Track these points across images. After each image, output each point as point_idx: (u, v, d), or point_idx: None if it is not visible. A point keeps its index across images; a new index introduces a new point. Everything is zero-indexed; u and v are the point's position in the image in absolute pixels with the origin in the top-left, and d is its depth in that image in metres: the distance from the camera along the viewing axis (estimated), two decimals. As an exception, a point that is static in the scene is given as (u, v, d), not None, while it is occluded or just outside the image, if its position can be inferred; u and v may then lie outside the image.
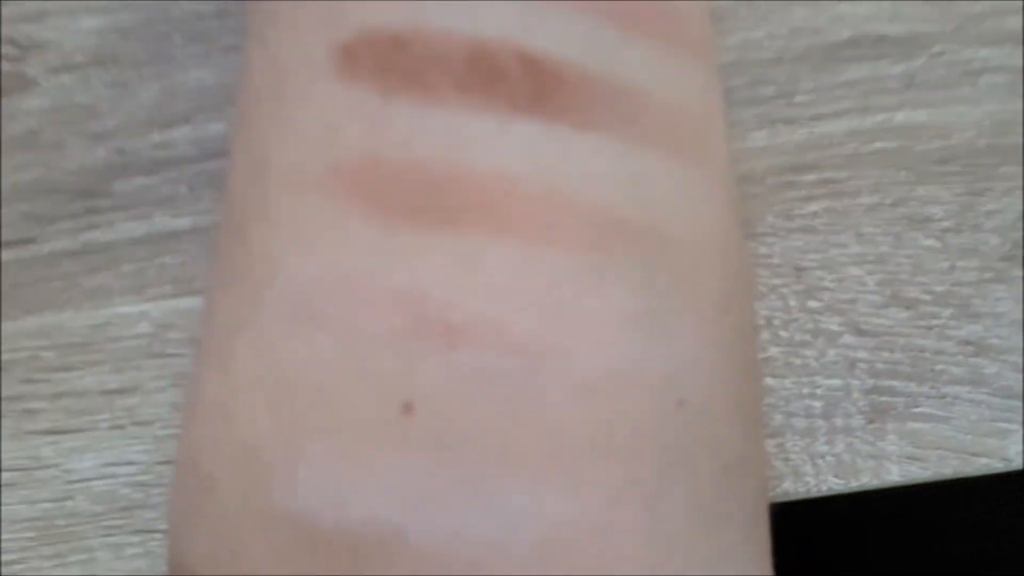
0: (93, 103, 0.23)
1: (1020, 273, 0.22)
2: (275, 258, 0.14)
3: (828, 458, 0.21)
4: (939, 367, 0.22)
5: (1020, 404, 0.21)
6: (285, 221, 0.14)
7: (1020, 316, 0.22)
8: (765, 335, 0.22)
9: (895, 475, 0.21)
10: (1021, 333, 0.22)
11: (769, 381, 0.22)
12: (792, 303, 0.22)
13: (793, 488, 0.21)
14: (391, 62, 0.13)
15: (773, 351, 0.22)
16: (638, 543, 0.13)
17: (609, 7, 0.14)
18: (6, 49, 0.23)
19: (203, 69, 0.23)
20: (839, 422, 0.21)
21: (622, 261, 0.13)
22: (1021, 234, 0.22)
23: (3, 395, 0.22)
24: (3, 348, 0.22)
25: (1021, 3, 0.23)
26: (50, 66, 0.23)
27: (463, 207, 0.13)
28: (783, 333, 0.22)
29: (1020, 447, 0.21)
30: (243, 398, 0.14)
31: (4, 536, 0.22)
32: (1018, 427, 0.21)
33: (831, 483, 0.21)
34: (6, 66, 0.23)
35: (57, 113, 0.23)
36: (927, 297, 0.22)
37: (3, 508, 0.22)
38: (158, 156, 0.23)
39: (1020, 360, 0.22)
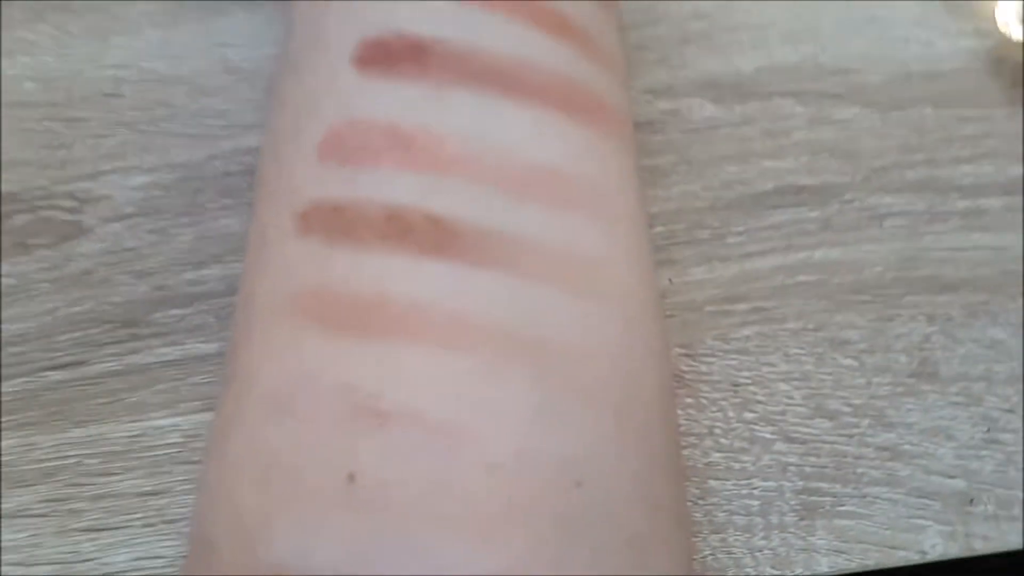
0: (138, 247, 0.27)
1: (928, 388, 0.25)
2: (254, 366, 0.18)
3: (765, 551, 0.24)
4: (860, 470, 0.25)
5: (933, 503, 0.24)
6: (260, 338, 0.18)
7: (929, 425, 0.25)
8: (708, 442, 0.25)
9: (824, 567, 0.24)
10: (930, 440, 0.25)
11: (712, 483, 0.25)
12: (731, 414, 0.25)
13: (735, 578, 0.24)
14: (333, 222, 0.18)
15: (715, 456, 0.25)
16: None
17: (502, 177, 0.18)
18: (67, 202, 0.28)
19: (231, 218, 0.27)
20: (774, 519, 0.24)
21: (517, 366, 0.17)
22: (926, 354, 0.26)
23: (51, 497, 0.26)
24: (52, 456, 0.26)
25: (919, 157, 0.27)
26: (103, 216, 0.28)
27: (386, 324, 0.17)
28: (723, 441, 0.25)
29: (934, 541, 0.24)
30: (233, 477, 0.17)
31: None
32: (932, 523, 0.24)
33: (768, 574, 0.24)
34: (66, 216, 0.28)
35: (107, 255, 0.27)
36: (847, 409, 0.25)
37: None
38: (191, 291, 0.27)
39: (931, 464, 0.25)
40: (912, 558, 0.24)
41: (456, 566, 0.15)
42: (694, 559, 0.24)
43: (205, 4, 0.29)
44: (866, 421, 0.25)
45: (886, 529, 0.24)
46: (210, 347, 0.26)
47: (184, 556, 0.25)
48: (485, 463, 0.16)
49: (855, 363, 0.25)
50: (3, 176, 0.28)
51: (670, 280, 0.26)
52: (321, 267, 0.18)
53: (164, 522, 0.25)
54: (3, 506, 0.25)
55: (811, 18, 0.28)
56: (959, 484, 0.24)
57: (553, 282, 0.18)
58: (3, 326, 0.27)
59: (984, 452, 0.24)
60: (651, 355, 0.19)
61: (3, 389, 0.26)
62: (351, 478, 0.16)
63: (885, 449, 0.25)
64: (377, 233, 0.17)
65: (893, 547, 0.24)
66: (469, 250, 0.17)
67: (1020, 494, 0.24)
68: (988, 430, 0.25)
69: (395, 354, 0.17)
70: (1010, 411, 0.25)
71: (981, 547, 0.24)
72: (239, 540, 0.17)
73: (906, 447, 0.25)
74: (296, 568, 0.16)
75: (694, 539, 0.24)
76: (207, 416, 0.26)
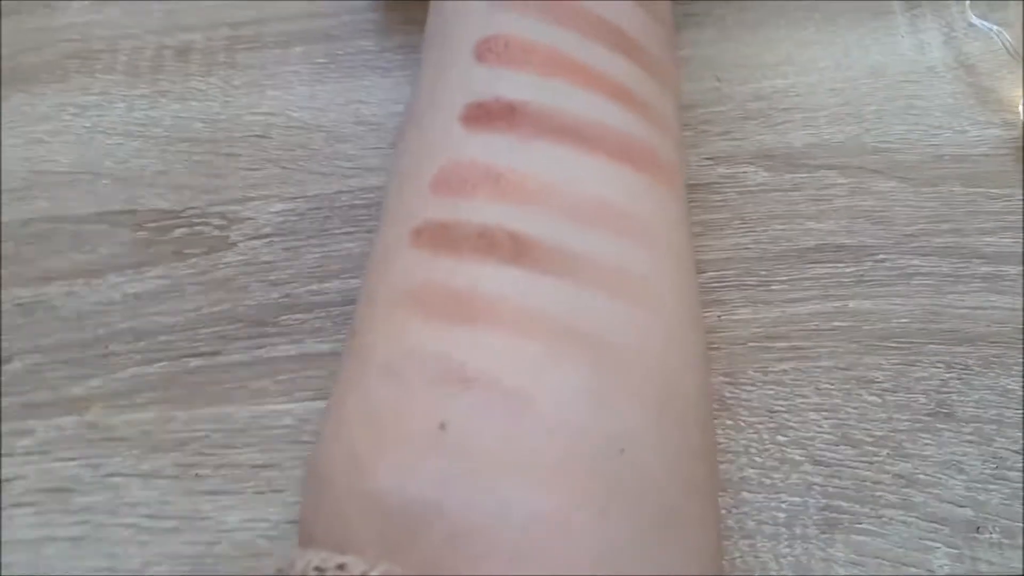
0: (273, 261, 0.33)
1: (943, 426, 0.28)
2: (372, 344, 0.23)
3: (789, 558, 0.27)
4: (878, 494, 0.28)
5: (943, 527, 0.27)
6: (380, 323, 0.23)
7: (942, 459, 0.28)
8: (743, 459, 0.28)
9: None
10: (943, 472, 0.28)
11: (745, 495, 0.28)
12: (765, 437, 0.29)
13: (760, 578, 0.27)
14: (438, 237, 0.23)
15: (749, 472, 0.28)
16: (591, 540, 0.19)
17: (569, 206, 0.22)
18: (218, 221, 0.33)
19: (352, 243, 0.32)
20: (798, 531, 0.27)
21: (575, 352, 0.21)
22: (944, 397, 0.29)
23: (181, 463, 0.30)
24: (185, 429, 0.31)
25: (947, 226, 0.31)
26: (246, 234, 0.33)
27: (474, 313, 0.21)
28: (757, 459, 0.28)
29: (943, 562, 0.27)
30: (348, 427, 0.22)
31: (165, 573, 0.29)
32: (941, 546, 0.27)
33: (791, 577, 0.27)
34: (215, 232, 0.33)
35: (247, 266, 0.33)
36: (869, 439, 0.28)
37: (167, 549, 0.29)
38: (314, 300, 0.32)
39: (943, 493, 0.28)
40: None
41: (518, 503, 0.19)
42: (724, 558, 0.27)
43: (345, 68, 0.35)
44: (885, 451, 0.28)
45: (899, 548, 0.27)
46: (325, 347, 0.31)
47: (288, 521, 0.29)
48: (546, 425, 0.20)
49: (879, 400, 0.29)
50: (168, 196, 0.34)
51: (719, 317, 0.30)
52: (428, 270, 0.22)
53: (272, 491, 0.29)
54: (141, 467, 0.30)
55: (857, 104, 0.33)
56: (968, 513, 0.27)
57: (607, 291, 0.22)
58: (155, 318, 0.32)
59: (992, 486, 0.27)
60: (689, 364, 0.23)
61: (150, 370, 0.31)
62: (442, 427, 0.20)
63: (901, 477, 0.28)
64: (471, 246, 0.22)
65: (905, 564, 0.27)
66: (540, 261, 0.22)
67: (1023, 526, 0.27)
68: (997, 467, 0.27)
69: (479, 334, 0.21)
70: (1018, 452, 0.28)
71: (987, 570, 0.26)
72: (351, 473, 0.21)
73: (921, 476, 0.28)
74: (395, 498, 0.20)
75: (726, 543, 0.27)
76: (318, 404, 0.30)
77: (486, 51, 0.24)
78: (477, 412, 0.20)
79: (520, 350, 0.21)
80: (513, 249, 0.22)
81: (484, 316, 0.21)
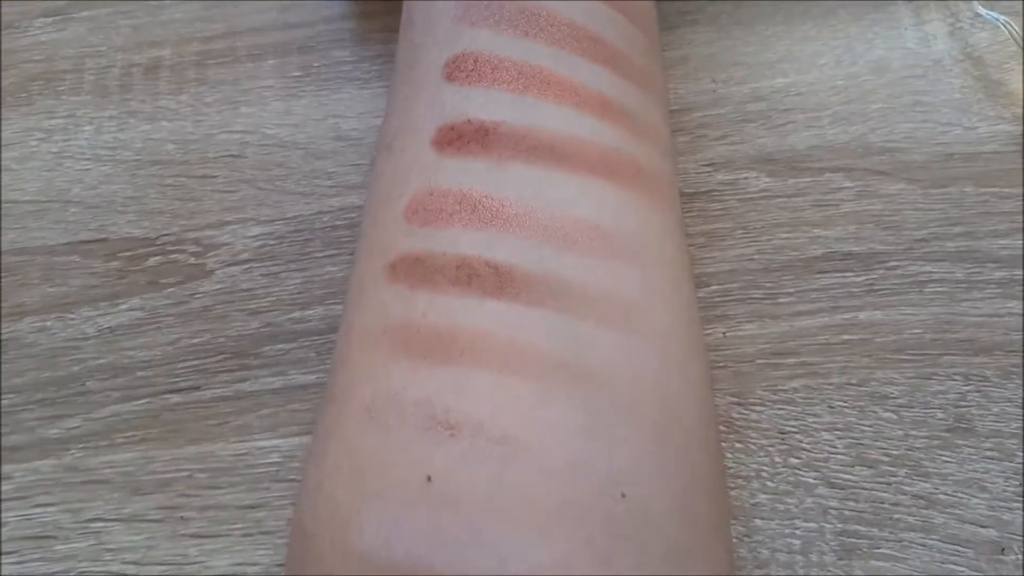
0: (252, 288, 0.31)
1: (963, 442, 0.27)
2: (351, 386, 0.21)
3: (806, 587, 0.26)
4: (896, 516, 0.26)
5: (965, 550, 0.26)
6: (357, 363, 0.22)
7: (963, 477, 0.27)
8: (755, 484, 0.27)
9: (861, 604, 0.26)
10: (964, 491, 0.27)
11: (757, 522, 0.27)
12: (777, 459, 0.27)
13: (776, 610, 0.26)
14: (415, 271, 0.21)
15: (761, 498, 0.27)
16: None
17: (551, 231, 0.21)
18: (193, 248, 0.32)
19: (334, 266, 0.31)
20: (814, 558, 0.26)
21: (566, 388, 0.20)
22: (962, 411, 0.27)
23: (165, 505, 0.29)
24: (168, 469, 0.29)
25: (959, 229, 0.29)
26: (223, 261, 0.32)
27: (456, 351, 0.20)
28: (769, 484, 0.27)
29: (968, 587, 0.26)
30: (330, 479, 0.20)
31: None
32: (964, 569, 0.26)
33: (808, 608, 0.26)
34: (192, 260, 0.32)
35: (225, 295, 0.31)
36: (886, 459, 0.27)
37: (153, 596, 0.28)
38: (296, 328, 0.30)
39: (964, 513, 0.26)
40: (946, 602, 0.25)
41: (516, 556, 0.18)
42: (738, 589, 0.26)
43: (321, 80, 0.34)
44: (903, 471, 0.27)
45: (920, 572, 0.26)
46: (309, 378, 0.30)
47: (278, 565, 0.28)
48: (540, 470, 0.19)
49: (894, 416, 0.27)
50: (141, 223, 0.32)
51: (724, 334, 0.29)
52: (405, 306, 0.21)
53: (261, 533, 0.28)
54: (124, 511, 0.28)
55: (861, 102, 0.31)
56: (991, 533, 0.26)
57: (596, 319, 0.21)
58: (132, 353, 0.30)
59: (1016, 504, 0.26)
60: (690, 387, 0.22)
61: (129, 408, 0.30)
62: (429, 479, 0.19)
63: (921, 498, 0.26)
64: (449, 279, 0.21)
65: (928, 590, 0.25)
66: (522, 291, 0.21)
67: (1051, 546, 0.26)
68: (1020, 484, 0.26)
69: (463, 375, 0.20)
70: (1042, 467, 0.26)
71: (1013, 594, 0.25)
72: (334, 528, 0.20)
73: (941, 496, 0.26)
74: (381, 556, 0.19)
75: (739, 574, 0.26)
76: (304, 439, 0.29)
77: (455, 70, 0.23)
78: (465, 460, 0.19)
79: (507, 390, 0.20)
80: (494, 281, 0.21)
81: (467, 355, 0.20)
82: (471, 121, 0.22)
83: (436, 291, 0.21)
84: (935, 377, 0.28)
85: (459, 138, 0.22)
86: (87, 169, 0.33)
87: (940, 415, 0.27)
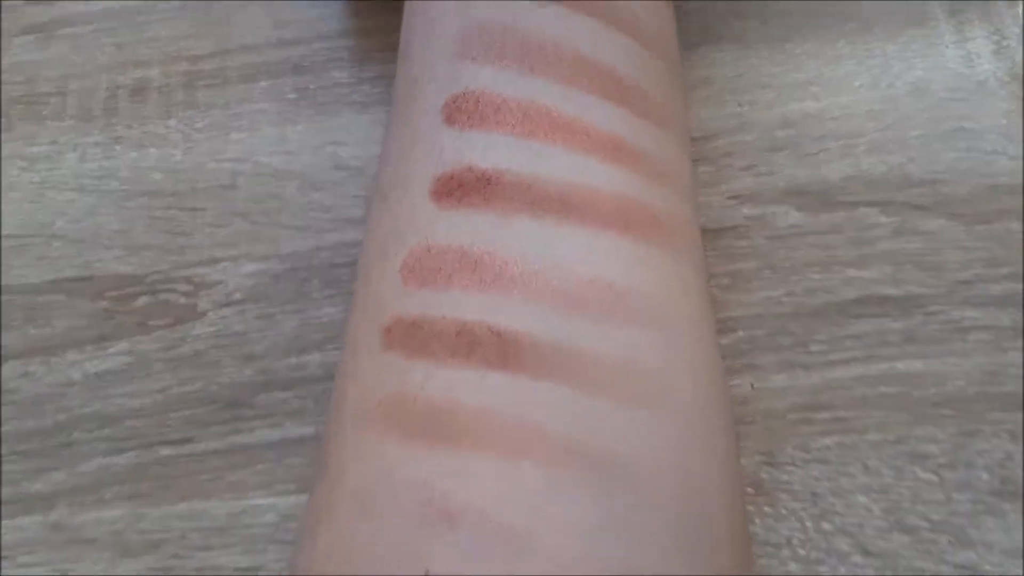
0: (246, 331, 0.29)
1: (1009, 507, 0.25)
2: (343, 465, 0.19)
3: (840, 664, 0.24)
4: (938, 587, 0.25)
5: (1013, 625, 0.24)
6: (349, 439, 0.20)
7: (1010, 546, 0.25)
8: (785, 552, 0.25)
9: None
10: (1012, 561, 0.25)
11: (788, 591, 0.25)
12: (808, 525, 0.25)
13: None
14: (411, 338, 0.19)
15: (792, 567, 0.25)
16: None
17: (560, 293, 0.19)
18: (184, 287, 0.30)
19: (334, 307, 0.29)
20: (849, 632, 0.24)
21: (578, 475, 0.18)
22: (1008, 472, 0.25)
23: (156, 567, 0.27)
24: (158, 528, 0.28)
25: (1005, 271, 0.27)
26: (215, 301, 0.30)
27: (456, 432, 0.18)
28: (801, 551, 0.25)
29: (1015, 664, 0.24)
30: (320, 565, 0.19)
31: None
32: (1012, 646, 0.24)
33: None
34: (182, 300, 0.30)
35: (218, 339, 0.29)
36: (926, 525, 0.25)
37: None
38: (293, 376, 0.28)
39: (1012, 584, 0.24)
40: None
41: None
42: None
43: (318, 104, 0.32)
44: (945, 538, 0.25)
45: (964, 650, 0.24)
46: (307, 430, 0.28)
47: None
48: (551, 567, 0.17)
49: (935, 478, 0.25)
50: (129, 259, 0.30)
51: (752, 385, 0.27)
52: (401, 379, 0.19)
53: (258, 597, 0.26)
54: (112, 573, 0.27)
55: (899, 129, 0.29)
56: (1042, 608, 0.24)
57: (611, 393, 0.19)
58: (120, 401, 0.29)
59: (1069, 577, 0.24)
60: (716, 465, 0.20)
61: (118, 461, 0.28)
62: (427, 573, 0.17)
63: (964, 567, 0.24)
64: (448, 348, 0.19)
65: (972, 668, 0.24)
66: (530, 363, 0.19)
67: (1106, 623, 0.24)
68: (1073, 554, 0.24)
69: (464, 459, 0.18)
70: (1097, 536, 0.24)
71: (1064, 675, 0.23)
72: None
73: (987, 567, 0.24)
74: None
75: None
76: (301, 498, 0.27)
77: (454, 112, 0.21)
78: (467, 555, 0.17)
79: (513, 477, 0.18)
80: (498, 350, 0.19)
81: (468, 435, 0.18)
82: (472, 169, 0.20)
83: (434, 361, 0.19)
84: (980, 434, 0.26)
85: (459, 188, 0.20)
86: (71, 200, 0.31)
87: (985, 476, 0.25)
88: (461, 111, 0.21)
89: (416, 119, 0.22)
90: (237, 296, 0.29)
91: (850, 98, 0.29)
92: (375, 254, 0.22)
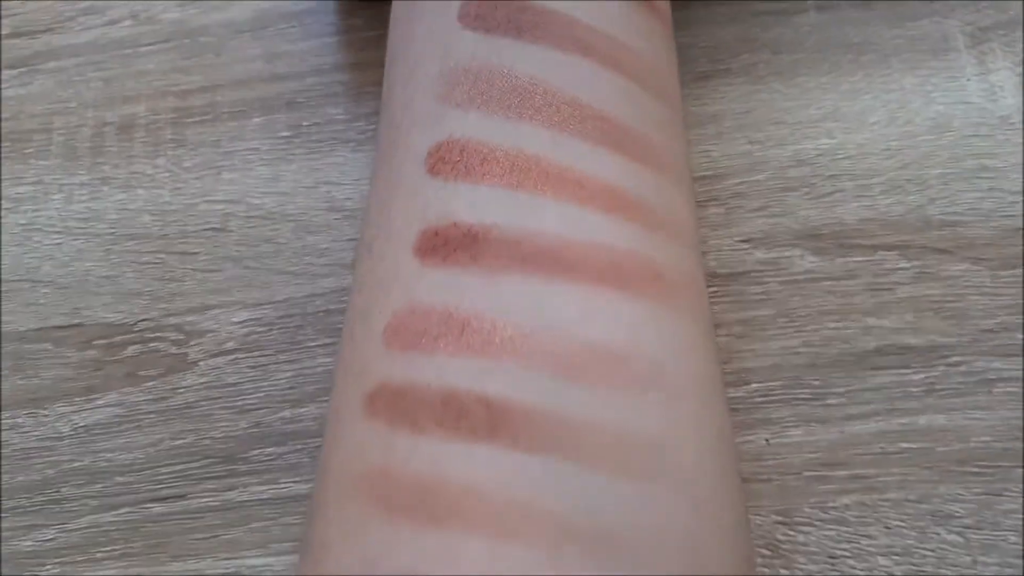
0: (239, 383, 0.28)
1: (1038, 569, 0.24)
2: (326, 543, 0.18)
3: None
4: (963, 655, 0.24)
5: None
6: (332, 514, 0.19)
7: (1039, 611, 0.24)
8: (802, 616, 0.24)
9: None
10: (1041, 627, 0.24)
11: (805, 659, 0.24)
12: (826, 587, 0.24)
13: None
14: (395, 407, 0.18)
15: (809, 631, 0.24)
16: None
17: (553, 358, 0.18)
18: (174, 335, 0.29)
19: (328, 357, 0.28)
20: None
21: (579, 559, 0.17)
22: (1038, 533, 0.24)
23: (148, 629, 0.26)
24: (151, 587, 0.27)
25: (1032, 319, 0.26)
26: (207, 351, 0.29)
27: (443, 510, 0.17)
28: (818, 615, 0.24)
29: None
30: None
31: None
32: None
33: None
34: (173, 349, 0.29)
35: (210, 390, 0.28)
36: (950, 588, 0.24)
37: None
38: (287, 429, 0.27)
39: (1041, 653, 0.23)
40: None
41: None
42: None
43: (312, 142, 0.30)
44: (971, 603, 0.24)
45: None
46: (302, 488, 0.27)
47: None
48: None
49: (960, 539, 0.24)
50: (118, 306, 0.29)
51: (767, 441, 0.25)
52: (384, 450, 0.18)
53: (254, 661, 0.25)
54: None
55: (918, 167, 0.28)
56: None
57: (610, 467, 0.18)
58: (111, 455, 0.28)
59: (1101, 646, 0.23)
60: (723, 536, 0.19)
61: (108, 519, 0.27)
62: None
63: (992, 635, 0.23)
64: (434, 418, 0.18)
65: None
66: (522, 435, 0.17)
67: None
68: (1106, 622, 0.23)
69: (451, 542, 0.17)
70: None
71: None
72: None
73: (1015, 634, 0.23)
74: None
75: None
76: (297, 558, 0.26)
77: (439, 162, 0.20)
78: None
79: (505, 561, 0.17)
80: (487, 420, 0.17)
81: (456, 515, 0.17)
82: (458, 225, 0.19)
83: (419, 432, 0.18)
84: (1006, 494, 0.25)
85: (444, 245, 0.19)
86: (58, 244, 0.30)
87: (1013, 539, 0.24)
88: (445, 161, 0.20)
89: (399, 167, 0.21)
90: (229, 345, 0.28)
91: (866, 135, 0.28)
92: (359, 312, 0.20)
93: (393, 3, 0.24)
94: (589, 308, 0.19)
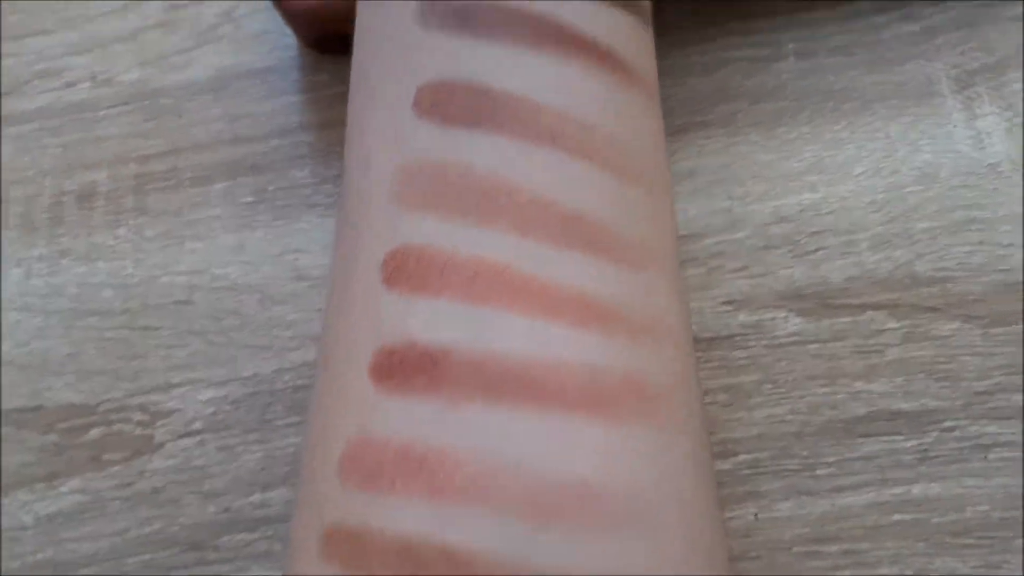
0: (206, 465, 0.27)
1: (1042, 647, 0.23)
2: None
3: None
4: None
5: None
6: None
7: None
8: None
9: None
10: None
11: None
12: (821, 670, 0.23)
13: None
14: (350, 552, 0.17)
15: None
16: None
17: (522, 501, 0.16)
18: (139, 416, 0.28)
19: (298, 437, 0.27)
20: None
21: None
22: (1040, 608, 0.23)
23: None
24: None
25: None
26: (173, 431, 0.27)
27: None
28: None
29: None
30: None
31: None
32: None
33: None
34: (138, 430, 0.28)
35: (177, 473, 0.27)
36: (951, 669, 0.23)
37: None
38: (258, 515, 0.26)
39: None
40: None
41: None
42: None
43: (277, 207, 0.29)
44: None
45: None
46: (274, 575, 0.26)
47: None
48: None
49: (959, 617, 0.23)
50: (80, 387, 0.28)
51: (755, 516, 0.24)
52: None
53: None
54: None
55: (905, 220, 0.26)
56: None
57: None
58: (75, 545, 0.27)
59: None
60: None
61: (75, 610, 0.26)
62: None
63: None
64: (390, 567, 0.16)
65: None
66: None
67: None
68: None
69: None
70: None
71: None
72: None
73: None
74: None
75: None
76: (272, 652, 0.25)
77: (394, 272, 0.18)
78: None
79: None
80: (448, 574, 0.16)
81: None
82: (415, 345, 0.17)
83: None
84: (1006, 566, 0.24)
85: (401, 369, 0.17)
86: (17, 322, 0.29)
87: (1014, 615, 0.23)
88: (401, 272, 0.18)
89: (355, 275, 0.19)
90: (196, 425, 0.27)
91: (850, 187, 0.27)
92: (317, 432, 0.19)
93: (351, 76, 0.22)
94: (560, 439, 0.17)
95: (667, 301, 0.20)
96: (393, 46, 0.20)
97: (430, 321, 0.18)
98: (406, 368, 0.17)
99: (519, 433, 0.17)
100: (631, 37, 0.21)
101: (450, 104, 0.19)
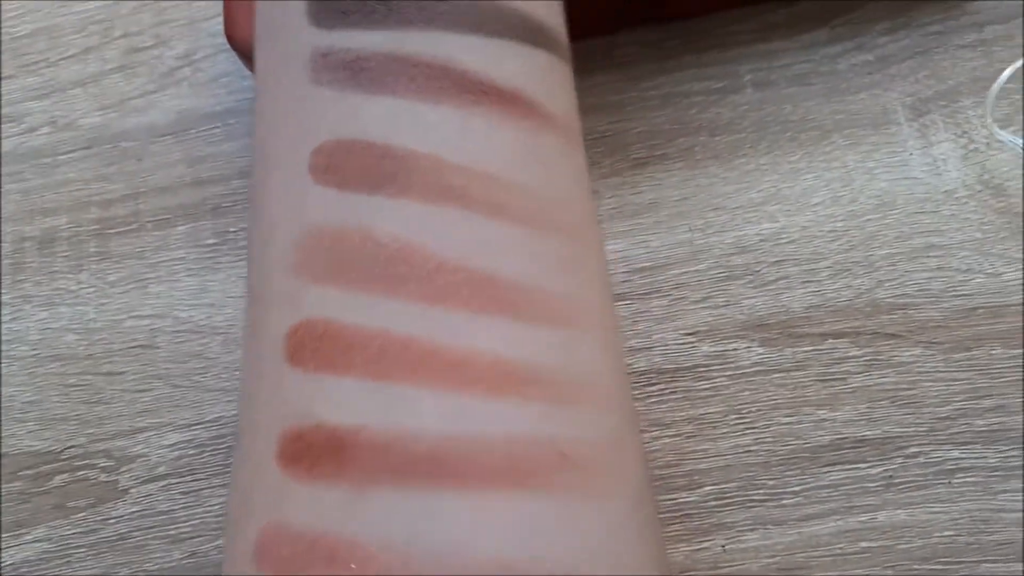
0: (171, 509, 0.27)
1: (1010, 672, 0.23)
2: None
3: None
4: None
5: None
6: None
7: None
8: None
9: None
10: None
11: None
12: None
13: None
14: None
15: None
16: None
17: None
18: (104, 462, 0.27)
19: (264, 480, 0.27)
20: None
21: None
22: (1007, 633, 0.23)
23: None
24: None
25: (989, 403, 0.25)
26: (138, 477, 0.27)
27: None
28: None
29: None
30: None
31: None
32: None
33: None
34: (103, 476, 0.27)
35: (142, 519, 0.27)
36: None
37: None
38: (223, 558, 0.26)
39: None
40: None
41: None
42: None
43: (239, 248, 0.29)
44: None
45: None
46: (244, 621, 0.25)
47: None
48: None
49: (928, 644, 0.23)
50: (44, 434, 0.28)
51: (723, 547, 0.24)
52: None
53: None
54: None
55: (865, 248, 0.27)
56: None
57: None
58: (41, 595, 0.26)
59: None
60: None
61: (40, 662, 0.26)
62: None
63: None
64: None
65: None
66: None
67: None
68: None
69: None
70: None
71: None
72: None
73: None
74: None
75: None
76: None
77: (298, 349, 0.17)
78: None
79: None
80: None
81: None
82: (321, 427, 0.16)
83: None
84: (973, 592, 0.23)
85: (308, 453, 0.16)
86: (-22, 369, 0.29)
87: (982, 641, 0.23)
88: (305, 348, 0.17)
89: (260, 351, 0.18)
90: (161, 470, 0.27)
91: (810, 217, 0.27)
92: (233, 516, 0.18)
93: (254, 133, 0.20)
94: (478, 520, 0.16)
95: (592, 356, 0.18)
96: (286, 103, 0.18)
97: (337, 402, 0.16)
98: (314, 452, 0.16)
99: (434, 517, 0.16)
100: (543, 77, 0.19)
101: (346, 166, 0.17)
